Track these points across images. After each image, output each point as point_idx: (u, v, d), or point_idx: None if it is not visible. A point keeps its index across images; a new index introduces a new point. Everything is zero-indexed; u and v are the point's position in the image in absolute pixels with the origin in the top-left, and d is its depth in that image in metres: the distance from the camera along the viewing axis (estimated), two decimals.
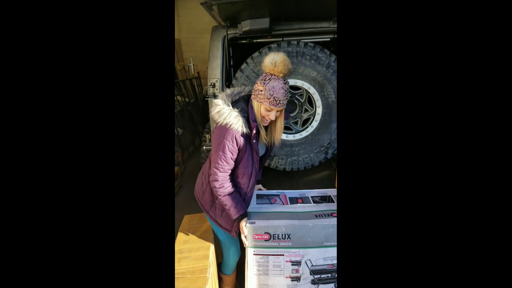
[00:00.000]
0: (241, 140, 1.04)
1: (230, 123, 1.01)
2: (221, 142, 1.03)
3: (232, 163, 1.07)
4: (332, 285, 1.17)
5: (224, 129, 1.02)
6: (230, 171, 1.08)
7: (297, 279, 1.15)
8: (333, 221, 1.13)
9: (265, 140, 1.13)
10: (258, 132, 1.06)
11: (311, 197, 1.34)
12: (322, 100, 1.66)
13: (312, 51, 1.58)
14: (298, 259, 1.13)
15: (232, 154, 1.05)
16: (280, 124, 1.12)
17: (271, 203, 1.29)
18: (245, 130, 1.02)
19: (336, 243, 1.12)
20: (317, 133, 1.71)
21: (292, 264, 1.13)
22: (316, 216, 1.17)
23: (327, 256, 1.13)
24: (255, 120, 1.05)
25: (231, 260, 1.32)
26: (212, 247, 1.27)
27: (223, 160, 1.04)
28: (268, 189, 1.42)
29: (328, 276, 1.16)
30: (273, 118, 1.06)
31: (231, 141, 1.02)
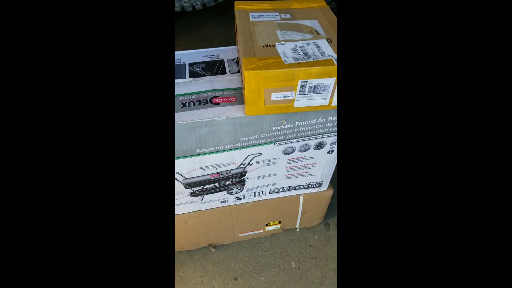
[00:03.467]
0: None
1: None
2: None
3: None
4: (224, 192, 0.83)
5: None
6: None
7: None
8: (209, 113, 0.63)
9: None
10: None
11: (190, 64, 0.77)
12: None
13: None
14: None
15: None
16: None
17: None
18: None
19: (216, 149, 0.68)
20: None
21: None
22: (184, 104, 0.66)
23: (206, 165, 0.72)
24: None
25: None
26: None
27: None
28: None
29: (215, 186, 0.80)
30: None
31: None
